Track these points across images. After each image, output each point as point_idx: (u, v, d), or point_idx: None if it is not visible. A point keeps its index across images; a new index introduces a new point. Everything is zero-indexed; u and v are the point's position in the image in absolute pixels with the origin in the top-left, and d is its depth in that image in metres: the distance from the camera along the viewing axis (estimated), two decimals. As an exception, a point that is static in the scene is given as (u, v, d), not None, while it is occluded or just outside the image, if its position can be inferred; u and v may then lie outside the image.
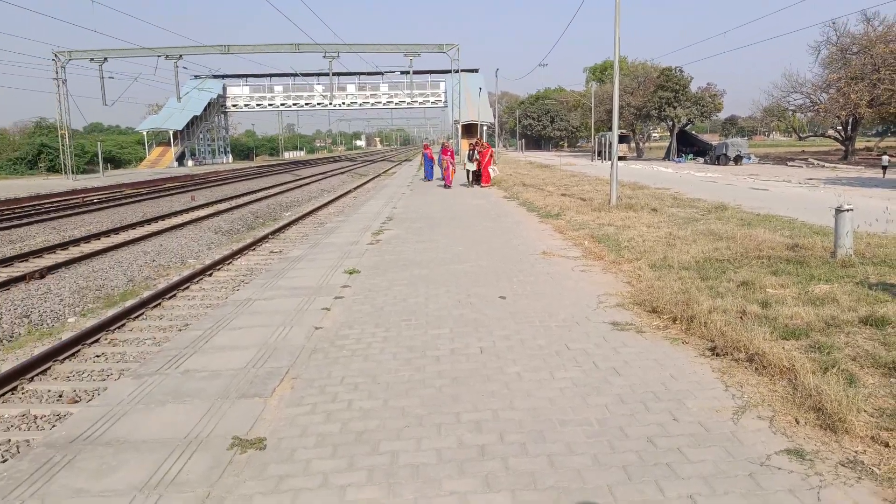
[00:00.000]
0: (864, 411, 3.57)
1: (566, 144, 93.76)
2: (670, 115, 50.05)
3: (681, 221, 11.58)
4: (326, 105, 66.54)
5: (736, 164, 39.59)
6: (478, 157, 22.67)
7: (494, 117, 54.75)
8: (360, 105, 67.81)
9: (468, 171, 23.10)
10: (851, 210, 7.80)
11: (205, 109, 64.84)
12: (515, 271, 8.02)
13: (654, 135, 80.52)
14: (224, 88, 68.35)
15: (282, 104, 68.34)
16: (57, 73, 41.48)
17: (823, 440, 3.37)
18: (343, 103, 67.30)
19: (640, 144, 60.43)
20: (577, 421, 3.72)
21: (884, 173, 28.48)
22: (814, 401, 3.70)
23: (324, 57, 41.84)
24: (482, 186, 22.15)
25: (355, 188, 29.89)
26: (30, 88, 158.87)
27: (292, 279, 7.95)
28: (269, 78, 67.81)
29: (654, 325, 5.54)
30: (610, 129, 52.96)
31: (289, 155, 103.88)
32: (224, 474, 3.20)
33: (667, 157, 51.21)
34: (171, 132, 61.06)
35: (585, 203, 15.42)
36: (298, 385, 4.37)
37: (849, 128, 44.87)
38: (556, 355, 4.86)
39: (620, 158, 50.88)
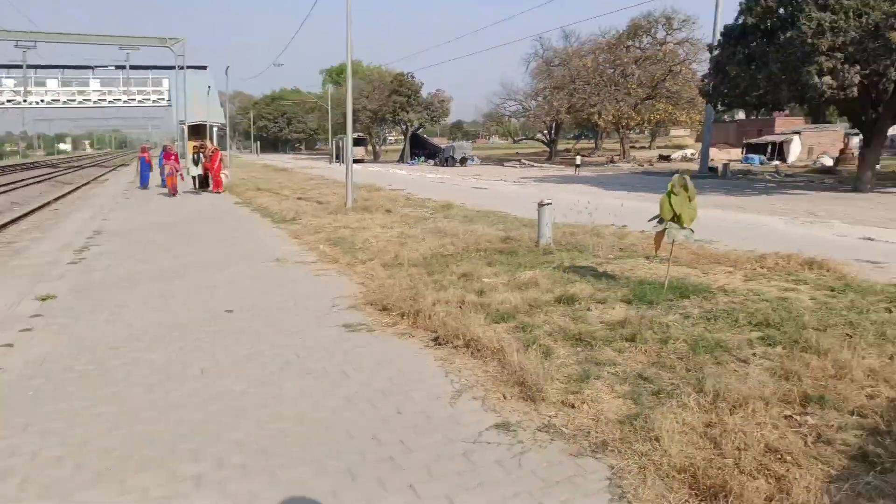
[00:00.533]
0: (557, 380, 4.08)
1: (304, 147, 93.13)
2: (404, 119, 52.73)
3: (412, 221, 12.20)
4: (19, 102, 56.65)
5: (462, 166, 43.25)
6: (204, 160, 21.21)
7: (226, 118, 52.02)
8: (65, 103, 58.80)
9: (193, 176, 21.46)
10: (550, 204, 8.95)
11: None
12: (246, 281, 7.66)
13: (389, 138, 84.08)
14: None
15: (-45, 100, 56.49)
16: None
17: (525, 410, 3.77)
18: (42, 101, 57.80)
19: (377, 147, 62.63)
20: (303, 431, 3.64)
21: (576, 171, 33.56)
22: (517, 376, 4.12)
23: (16, 46, 35.60)
24: (213, 193, 20.76)
25: (56, 199, 25.91)
26: None
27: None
28: (-67, 68, 55.56)
29: (385, 322, 5.71)
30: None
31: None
32: None
33: (401, 159, 53.85)
34: None
35: (322, 206, 15.42)
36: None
37: (552, 132, 51.87)
38: (285, 366, 4.72)
39: (358, 161, 52.19)
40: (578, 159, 36.13)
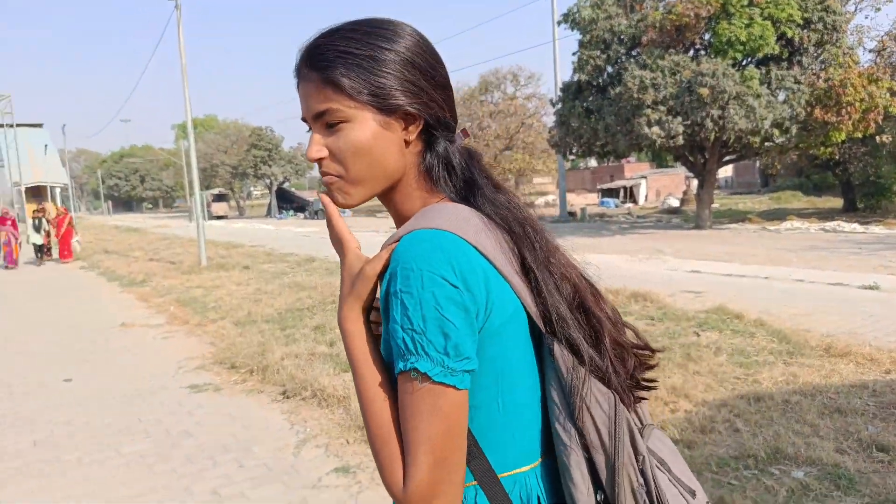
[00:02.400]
0: (397, 420, 4.29)
1: (162, 205, 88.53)
2: (267, 174, 51.86)
3: (269, 276, 12.07)
4: None
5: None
6: (48, 226, 19.04)
7: (69, 178, 48.54)
8: None
9: (34, 244, 19.17)
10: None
11: None
12: (87, 350, 7.24)
13: (254, 192, 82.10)
14: None
15: None
16: None
17: (366, 453, 3.93)
18: None
19: (241, 202, 60.93)
20: (140, 490, 3.57)
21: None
22: (360, 420, 4.28)
23: None
24: (62, 262, 18.62)
25: None
26: None
27: None
28: None
29: (233, 380, 5.66)
30: (207, 187, 51.89)
31: None
32: None
33: (269, 214, 52.75)
34: None
35: (174, 266, 14.82)
36: None
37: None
38: (125, 430, 4.57)
39: (221, 217, 50.34)
40: None
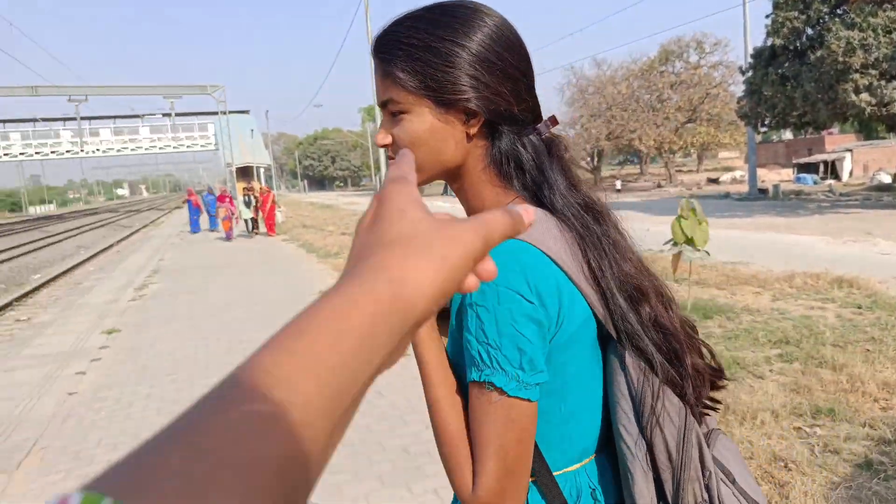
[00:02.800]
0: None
1: (350, 184, 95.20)
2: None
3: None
4: (77, 152, 60.07)
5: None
6: (255, 202, 21.38)
7: (271, 159, 53.99)
8: (119, 151, 62.21)
9: (245, 219, 21.45)
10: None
11: (-82, 162, 54.81)
12: (291, 314, 8.14)
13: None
14: (-58, 137, 58.44)
15: (21, 153, 60.18)
16: None
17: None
18: (97, 150, 61.22)
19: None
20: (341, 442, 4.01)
21: (616, 196, 33.61)
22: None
23: (69, 101, 38.01)
24: (268, 235, 20.57)
25: (118, 242, 27.40)
26: None
27: (40, 346, 7.23)
28: (2, 124, 59.49)
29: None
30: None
31: (35, 210, 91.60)
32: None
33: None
34: None
35: (362, 240, 15.95)
36: (49, 454, 4.09)
37: (594, 159, 51.91)
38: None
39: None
40: (618, 184, 36.27)
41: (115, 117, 59.05)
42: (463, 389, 0.88)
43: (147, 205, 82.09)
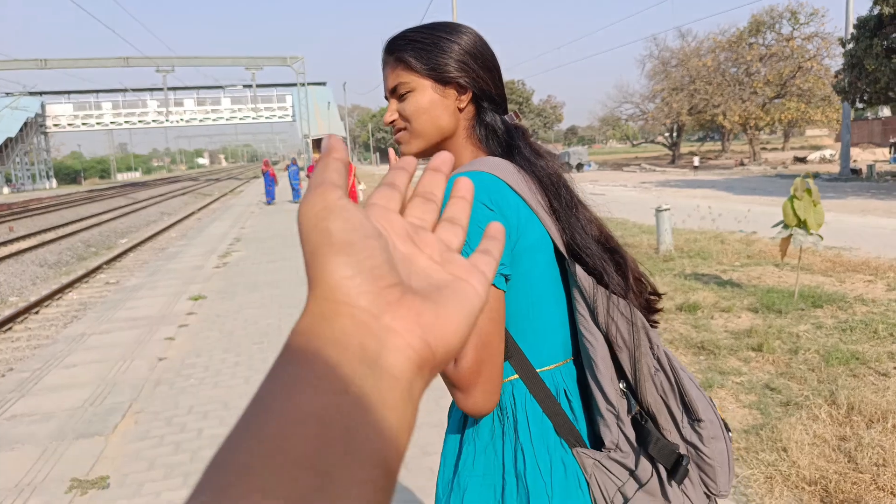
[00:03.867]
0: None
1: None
2: (515, 127, 52.78)
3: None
4: (162, 122, 62.66)
5: (578, 171, 42.67)
6: None
7: (346, 131, 54.67)
8: (201, 121, 64.56)
9: None
10: (668, 209, 8.78)
11: (21, 130, 58.42)
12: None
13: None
14: (43, 107, 62.00)
15: (111, 122, 63.23)
16: None
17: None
18: (181, 119, 63.69)
19: (488, 155, 63.16)
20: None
21: (695, 172, 32.29)
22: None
23: (157, 71, 39.54)
24: None
25: (199, 209, 28.41)
26: None
27: (131, 310, 7.47)
28: (95, 94, 62.55)
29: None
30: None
31: (122, 177, 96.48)
32: (61, 522, 2.99)
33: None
34: (-22, 156, 54.31)
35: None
36: (142, 419, 4.15)
37: (674, 134, 49.97)
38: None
39: (469, 169, 52.83)
40: (696, 160, 34.72)
41: (198, 88, 61.12)
42: None
43: (226, 174, 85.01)
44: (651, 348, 1.09)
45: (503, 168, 1.09)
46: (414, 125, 1.16)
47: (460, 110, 1.16)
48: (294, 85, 45.02)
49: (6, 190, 56.78)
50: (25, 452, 3.71)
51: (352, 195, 19.47)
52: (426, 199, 0.37)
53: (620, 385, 1.09)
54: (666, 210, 8.72)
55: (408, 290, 0.29)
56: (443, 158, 0.40)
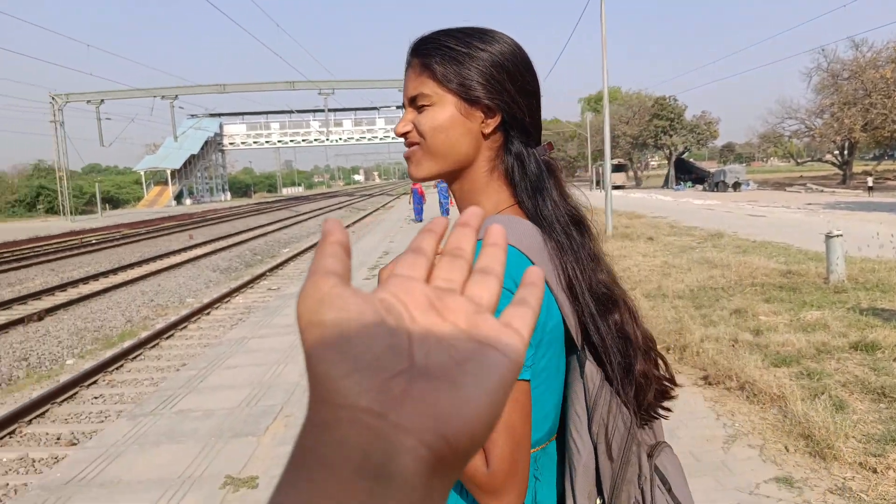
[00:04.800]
0: (853, 437, 3.60)
1: (565, 174, 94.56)
2: (667, 144, 50.55)
3: (676, 250, 11.67)
4: (323, 141, 67.41)
5: (735, 191, 39.82)
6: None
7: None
8: (357, 140, 68.70)
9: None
10: (841, 236, 7.89)
11: (202, 148, 65.63)
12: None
13: (651, 163, 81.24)
14: (221, 127, 69.32)
15: (279, 141, 69.22)
16: (54, 115, 42.08)
17: (812, 467, 3.39)
18: (340, 139, 68.20)
19: (638, 173, 61.01)
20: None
21: (869, 193, 28.91)
22: (803, 428, 3.73)
23: (319, 94, 42.57)
24: None
25: (353, 223, 30.08)
26: (27, 132, 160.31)
27: (288, 316, 8.00)
28: (265, 115, 68.80)
29: (647, 354, 5.58)
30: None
31: (287, 191, 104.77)
32: (216, 515, 3.21)
33: (665, 185, 51.63)
34: (168, 171, 61.70)
35: (581, 233, 15.54)
36: (292, 422, 4.39)
37: (845, 152, 45.31)
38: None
39: (618, 188, 51.62)
40: (870, 180, 31.03)
41: (355, 109, 65.09)
42: None
43: (378, 189, 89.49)
44: (639, 476, 0.96)
45: (530, 242, 0.95)
46: (428, 142, 1.00)
47: (485, 136, 1.00)
48: (443, 104, 46.79)
49: (188, 201, 63.89)
50: (189, 447, 4.06)
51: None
52: (454, 257, 0.33)
53: (598, 502, 0.97)
54: (838, 236, 7.84)
55: (417, 376, 0.26)
56: (472, 212, 0.36)
